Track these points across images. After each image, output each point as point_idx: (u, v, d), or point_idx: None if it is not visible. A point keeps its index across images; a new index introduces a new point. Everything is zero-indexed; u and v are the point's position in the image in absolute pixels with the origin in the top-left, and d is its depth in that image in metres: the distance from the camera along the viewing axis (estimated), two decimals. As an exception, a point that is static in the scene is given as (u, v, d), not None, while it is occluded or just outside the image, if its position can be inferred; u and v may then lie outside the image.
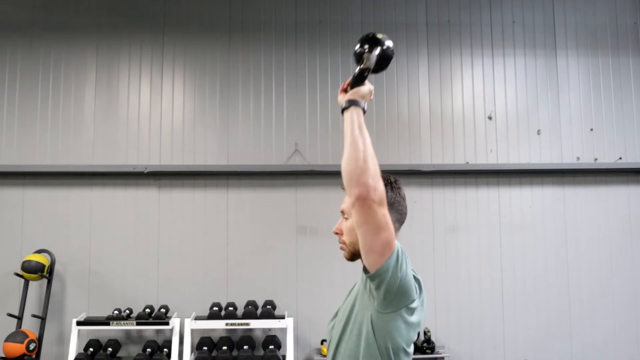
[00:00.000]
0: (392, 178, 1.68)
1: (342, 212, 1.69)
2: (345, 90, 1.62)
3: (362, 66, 1.57)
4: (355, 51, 1.61)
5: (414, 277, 1.58)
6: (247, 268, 5.10)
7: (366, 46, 1.57)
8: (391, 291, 1.48)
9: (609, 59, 5.48)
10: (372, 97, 1.59)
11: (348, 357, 1.57)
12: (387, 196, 1.60)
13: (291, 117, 5.26)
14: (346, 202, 1.68)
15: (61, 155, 5.15)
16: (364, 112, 1.53)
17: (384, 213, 1.42)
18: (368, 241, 1.44)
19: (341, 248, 1.70)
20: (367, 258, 1.46)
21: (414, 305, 1.54)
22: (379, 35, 1.60)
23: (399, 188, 1.67)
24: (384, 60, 1.60)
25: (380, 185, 1.42)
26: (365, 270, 1.51)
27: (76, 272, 5.07)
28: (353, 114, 1.50)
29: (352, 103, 1.52)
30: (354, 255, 1.67)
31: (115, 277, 5.07)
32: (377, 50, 1.57)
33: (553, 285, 5.20)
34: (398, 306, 1.50)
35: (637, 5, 5.57)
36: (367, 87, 1.57)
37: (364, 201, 1.39)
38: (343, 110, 1.54)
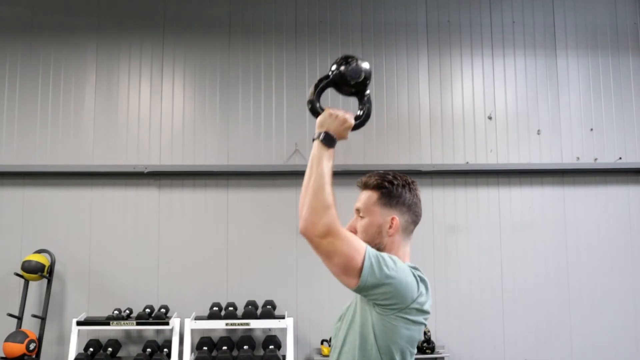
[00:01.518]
0: (410, 179, 1.69)
1: (358, 211, 1.69)
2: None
3: (308, 98, 1.64)
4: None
5: (420, 276, 1.58)
6: (247, 268, 5.10)
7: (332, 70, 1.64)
8: (381, 297, 1.49)
9: (609, 59, 5.48)
10: (342, 120, 1.61)
11: (352, 357, 1.57)
12: (405, 198, 1.64)
13: (291, 117, 5.26)
14: (362, 200, 1.68)
15: (61, 155, 5.15)
16: (325, 143, 1.58)
17: (330, 241, 1.46)
18: (327, 267, 1.51)
19: None
20: (340, 280, 1.53)
21: (415, 306, 1.53)
22: (344, 57, 1.64)
23: (416, 190, 1.68)
24: (336, 84, 1.64)
25: (323, 219, 1.46)
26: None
27: (76, 272, 5.07)
28: (313, 147, 1.60)
29: (315, 136, 1.61)
30: None
31: (115, 277, 5.07)
32: (332, 74, 1.62)
33: (553, 285, 5.20)
34: (395, 309, 1.50)
35: (637, 6, 5.57)
36: (322, 115, 1.62)
37: (305, 235, 1.48)
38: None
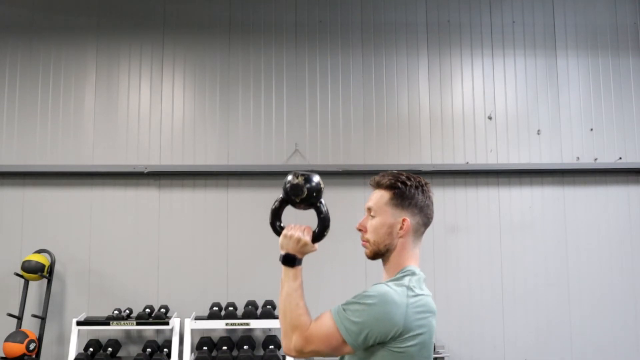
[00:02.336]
0: (423, 181, 1.67)
1: (369, 210, 1.67)
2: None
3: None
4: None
5: (414, 295, 1.54)
6: (247, 268, 5.10)
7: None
8: (370, 342, 1.50)
9: (609, 59, 5.48)
10: (297, 240, 1.64)
11: None
12: (417, 199, 1.63)
13: (291, 117, 5.26)
14: (374, 199, 1.67)
15: (61, 155, 5.15)
16: (286, 264, 1.63)
17: (310, 349, 1.52)
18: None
19: (363, 245, 1.68)
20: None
21: (398, 337, 1.49)
22: (296, 176, 1.67)
23: (429, 191, 1.67)
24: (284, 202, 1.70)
25: (293, 340, 1.53)
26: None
27: (76, 272, 5.07)
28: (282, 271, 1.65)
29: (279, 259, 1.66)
30: (376, 255, 1.66)
31: (115, 277, 5.07)
32: (284, 190, 1.68)
33: (553, 285, 5.20)
34: (380, 343, 1.50)
35: (637, 6, 5.57)
36: (280, 239, 1.67)
37: (288, 354, 1.58)
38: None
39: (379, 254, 1.65)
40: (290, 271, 1.60)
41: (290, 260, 1.61)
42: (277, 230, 1.70)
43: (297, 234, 1.62)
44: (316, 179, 1.66)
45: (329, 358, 1.62)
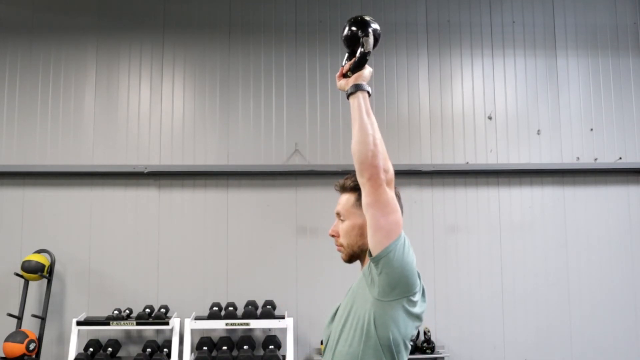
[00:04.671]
0: None
1: (338, 214, 1.69)
2: (344, 75, 1.64)
3: (363, 50, 1.58)
4: (347, 35, 1.62)
5: (418, 273, 1.58)
6: (247, 268, 5.11)
7: (360, 30, 1.59)
8: (394, 276, 1.49)
9: (609, 59, 5.48)
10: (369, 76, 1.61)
11: (347, 354, 1.55)
12: None
13: (291, 117, 5.26)
14: (341, 203, 1.68)
15: (61, 155, 5.15)
16: (370, 95, 1.55)
17: (393, 195, 1.48)
18: (377, 220, 1.47)
19: (338, 250, 1.70)
20: (373, 237, 1.49)
21: (415, 298, 1.54)
22: (367, 17, 1.62)
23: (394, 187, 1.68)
24: (376, 42, 1.62)
25: (390, 167, 1.49)
26: (369, 254, 1.52)
27: (76, 272, 5.07)
28: (360, 98, 1.53)
29: (358, 88, 1.55)
30: (351, 257, 1.68)
31: (115, 277, 5.07)
32: (371, 33, 1.58)
33: (553, 285, 5.20)
34: (400, 295, 1.50)
35: (637, 6, 5.57)
36: (368, 70, 1.60)
37: (375, 182, 1.45)
38: (349, 95, 1.56)
39: (355, 256, 1.67)
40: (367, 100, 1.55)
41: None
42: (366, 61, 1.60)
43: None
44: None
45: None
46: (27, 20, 5.31)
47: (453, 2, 5.46)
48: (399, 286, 1.50)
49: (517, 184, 5.31)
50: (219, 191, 5.20)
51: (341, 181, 1.71)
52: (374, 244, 1.49)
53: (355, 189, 1.63)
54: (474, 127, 5.33)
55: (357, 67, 1.59)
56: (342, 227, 1.67)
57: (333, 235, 1.71)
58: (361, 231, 1.62)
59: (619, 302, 5.20)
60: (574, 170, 5.28)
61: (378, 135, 1.48)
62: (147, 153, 5.19)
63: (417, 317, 1.56)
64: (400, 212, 1.50)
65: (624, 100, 5.42)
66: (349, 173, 1.70)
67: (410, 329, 1.56)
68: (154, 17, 5.35)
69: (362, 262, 1.67)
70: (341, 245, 1.68)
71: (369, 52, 1.58)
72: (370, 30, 1.58)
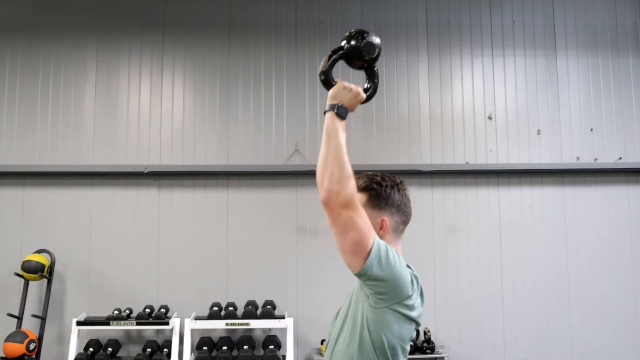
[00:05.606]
0: (398, 180, 1.68)
1: None
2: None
3: (319, 69, 1.62)
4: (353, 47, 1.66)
5: (414, 275, 1.58)
6: (247, 268, 5.11)
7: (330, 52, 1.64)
8: (379, 287, 1.48)
9: (609, 59, 5.48)
10: (356, 93, 1.60)
11: (344, 354, 1.56)
12: (394, 199, 1.63)
13: (291, 117, 5.26)
14: None
15: (61, 155, 5.15)
16: (339, 114, 1.54)
17: (350, 215, 1.45)
18: (339, 243, 1.49)
19: None
20: (343, 258, 1.50)
21: (409, 301, 1.53)
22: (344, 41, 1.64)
23: (405, 190, 1.68)
24: (354, 56, 1.63)
25: (346, 189, 1.45)
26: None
27: (76, 272, 5.07)
28: (326, 118, 1.55)
29: (328, 108, 1.57)
30: None
31: (115, 277, 5.07)
32: (327, 59, 1.62)
33: (553, 285, 5.20)
34: (390, 302, 1.50)
35: (637, 6, 5.57)
36: (335, 88, 1.61)
37: (327, 205, 1.45)
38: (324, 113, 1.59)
39: None
40: (341, 123, 1.54)
41: (344, 112, 1.56)
42: (330, 81, 1.63)
43: (356, 87, 1.61)
44: (380, 41, 1.66)
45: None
46: (26, 20, 5.31)
47: (453, 2, 5.46)
48: (387, 295, 1.50)
49: (517, 184, 5.31)
50: (219, 191, 5.20)
51: None
52: (347, 264, 1.51)
53: (367, 189, 1.64)
54: (474, 127, 5.33)
55: (325, 86, 1.62)
56: None
57: None
58: None
59: (619, 302, 5.20)
60: (574, 170, 5.28)
61: (335, 156, 1.46)
62: (147, 153, 5.19)
63: (414, 320, 1.56)
64: (362, 229, 1.45)
65: (624, 100, 5.42)
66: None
67: (406, 332, 1.56)
68: (154, 17, 5.35)
69: None
70: None
71: (320, 72, 1.62)
72: (345, 44, 1.62)
